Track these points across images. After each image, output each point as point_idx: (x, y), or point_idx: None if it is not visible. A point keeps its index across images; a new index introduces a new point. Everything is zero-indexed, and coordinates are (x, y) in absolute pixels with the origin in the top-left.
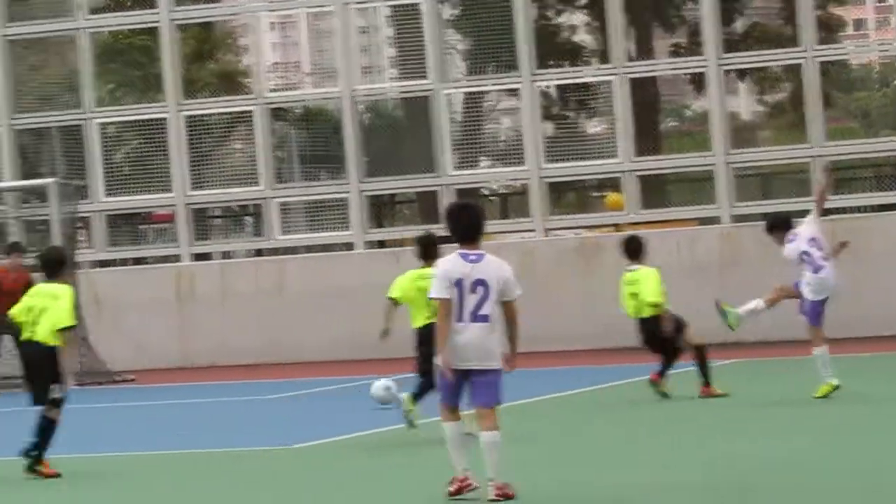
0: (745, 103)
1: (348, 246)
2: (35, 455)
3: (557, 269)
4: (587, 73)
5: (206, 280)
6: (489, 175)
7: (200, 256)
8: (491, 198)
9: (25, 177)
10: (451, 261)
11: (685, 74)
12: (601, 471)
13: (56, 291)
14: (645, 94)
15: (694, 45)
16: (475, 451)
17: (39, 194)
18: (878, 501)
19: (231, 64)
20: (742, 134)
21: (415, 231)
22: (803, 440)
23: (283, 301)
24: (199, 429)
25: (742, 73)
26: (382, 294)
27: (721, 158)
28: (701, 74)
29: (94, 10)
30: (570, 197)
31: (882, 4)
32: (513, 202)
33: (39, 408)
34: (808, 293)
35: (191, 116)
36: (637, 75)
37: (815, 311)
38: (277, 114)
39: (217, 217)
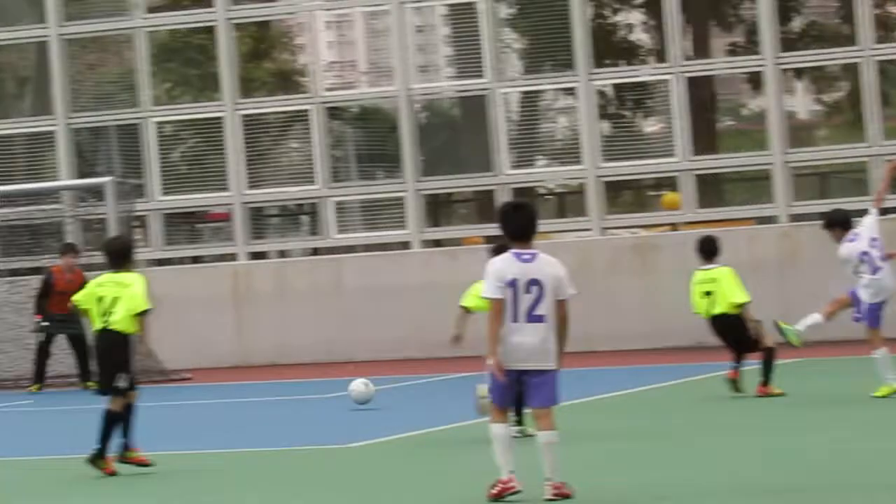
0: (802, 102)
1: (405, 245)
2: (100, 449)
3: (614, 269)
4: (644, 73)
5: (262, 279)
6: (546, 174)
7: (257, 255)
8: (547, 197)
9: (82, 175)
10: (504, 260)
11: (742, 73)
12: (657, 470)
13: (125, 279)
14: (701, 93)
15: (751, 45)
16: (532, 451)
17: (96, 193)
18: None
19: (287, 63)
20: (799, 133)
21: (471, 230)
22: (862, 439)
23: (339, 300)
24: (255, 427)
25: (799, 73)
26: (439, 293)
27: (778, 158)
28: (758, 73)
29: (152, 9)
30: (626, 196)
31: None
32: (569, 201)
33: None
34: (865, 296)
35: (247, 115)
36: (694, 74)
37: (874, 314)
38: (334, 113)
39: (273, 216)
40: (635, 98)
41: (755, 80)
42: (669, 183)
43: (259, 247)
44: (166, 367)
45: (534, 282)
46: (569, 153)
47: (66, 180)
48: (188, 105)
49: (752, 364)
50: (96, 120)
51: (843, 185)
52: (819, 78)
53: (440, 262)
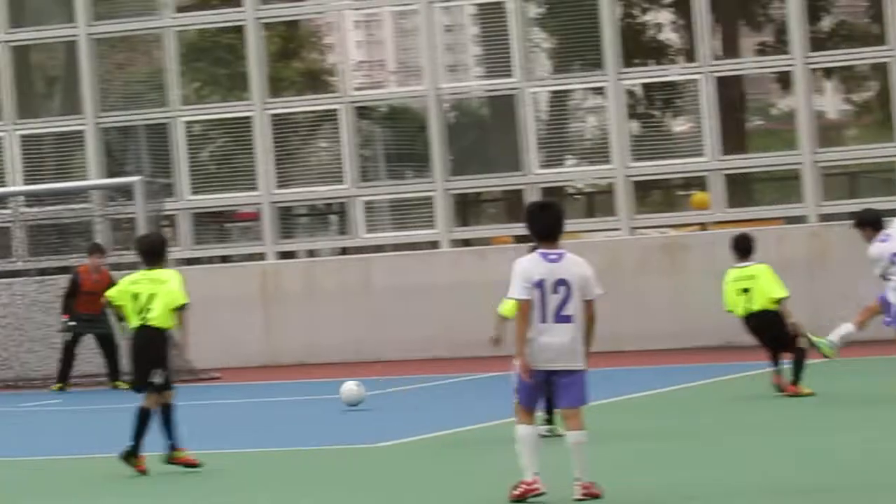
0: (832, 102)
1: (433, 244)
2: (133, 446)
3: (643, 269)
4: (673, 72)
5: (291, 278)
6: (575, 174)
7: (285, 255)
8: (576, 196)
9: (111, 175)
10: (531, 260)
11: (771, 73)
12: (686, 470)
13: (161, 276)
14: (731, 92)
15: (780, 44)
16: (559, 451)
17: (125, 192)
18: None
19: (316, 62)
20: (828, 133)
21: (500, 230)
22: (892, 439)
23: (368, 299)
24: (284, 427)
25: (828, 72)
26: (468, 292)
27: (808, 157)
28: (787, 73)
29: (181, 9)
30: (655, 196)
31: None
32: (598, 201)
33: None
34: (894, 298)
35: (276, 115)
36: (723, 74)
37: None
38: (362, 112)
39: (302, 215)
40: (664, 98)
41: (784, 80)
42: (698, 182)
43: (288, 246)
44: (195, 366)
45: (561, 282)
46: (598, 153)
47: (95, 180)
48: (217, 104)
49: (783, 364)
50: (125, 119)
51: (872, 185)
52: (848, 77)
53: (469, 262)
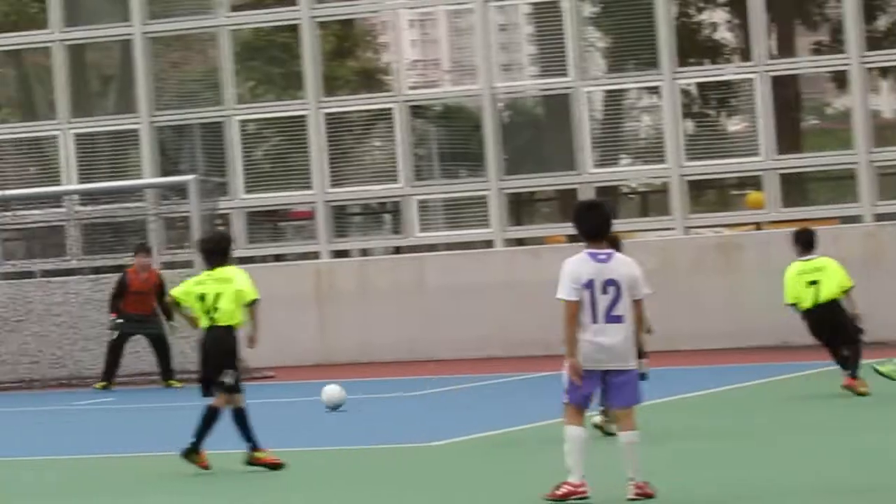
0: (888, 101)
1: (487, 244)
2: (195, 442)
3: (697, 268)
4: (728, 71)
5: (345, 277)
6: (629, 173)
7: (339, 253)
8: (630, 196)
9: (165, 173)
10: (579, 261)
11: (827, 72)
12: (740, 470)
13: (226, 274)
14: (786, 92)
15: (836, 43)
16: (607, 450)
17: (179, 191)
18: None
19: (371, 61)
20: (884, 132)
21: (554, 229)
22: None
23: (422, 298)
24: (337, 425)
25: (884, 71)
26: (522, 291)
27: (863, 157)
28: (843, 72)
29: (235, 8)
30: (710, 195)
31: None
32: (652, 200)
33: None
34: None
35: (330, 114)
36: (778, 73)
37: None
38: (417, 111)
39: (356, 214)
40: (719, 97)
41: (840, 79)
42: (753, 182)
43: (341, 245)
44: (249, 365)
45: (610, 282)
46: (652, 152)
47: (149, 178)
48: (272, 103)
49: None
50: (180, 118)
51: None
52: None
53: (523, 261)
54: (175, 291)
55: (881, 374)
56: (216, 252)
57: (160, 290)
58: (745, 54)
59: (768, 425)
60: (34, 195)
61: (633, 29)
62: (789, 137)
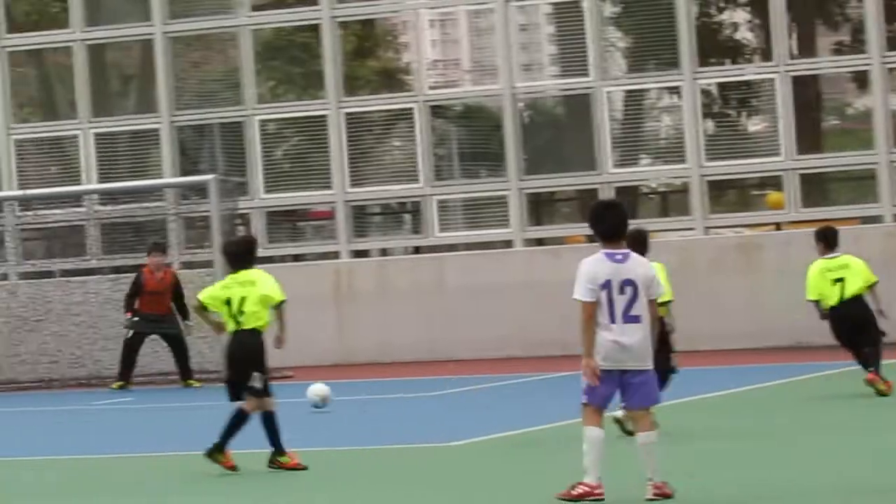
0: None
1: (507, 243)
2: (220, 443)
3: (717, 268)
4: (749, 72)
5: (364, 277)
6: (649, 173)
7: (359, 253)
8: (650, 196)
9: (185, 173)
10: (596, 261)
11: (848, 73)
12: (760, 470)
13: (250, 277)
14: (807, 92)
15: (857, 43)
16: (621, 451)
17: (199, 191)
18: None
19: (391, 61)
20: None
21: (574, 229)
22: None
23: (441, 298)
24: (355, 425)
25: None
26: (542, 291)
27: (884, 157)
28: (864, 72)
29: (256, 7)
30: (730, 195)
31: None
32: (673, 200)
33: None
34: None
35: (351, 113)
36: (799, 73)
37: None
38: (437, 111)
39: (376, 214)
40: (740, 97)
41: (861, 80)
42: (774, 182)
43: (361, 245)
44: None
45: (628, 282)
46: (672, 152)
47: (169, 178)
48: (292, 103)
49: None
50: (200, 118)
51: None
52: None
53: (543, 261)
54: (201, 296)
55: None
56: (241, 255)
57: (176, 289)
58: (766, 54)
59: (789, 425)
60: (54, 195)
61: (653, 29)
62: (810, 137)
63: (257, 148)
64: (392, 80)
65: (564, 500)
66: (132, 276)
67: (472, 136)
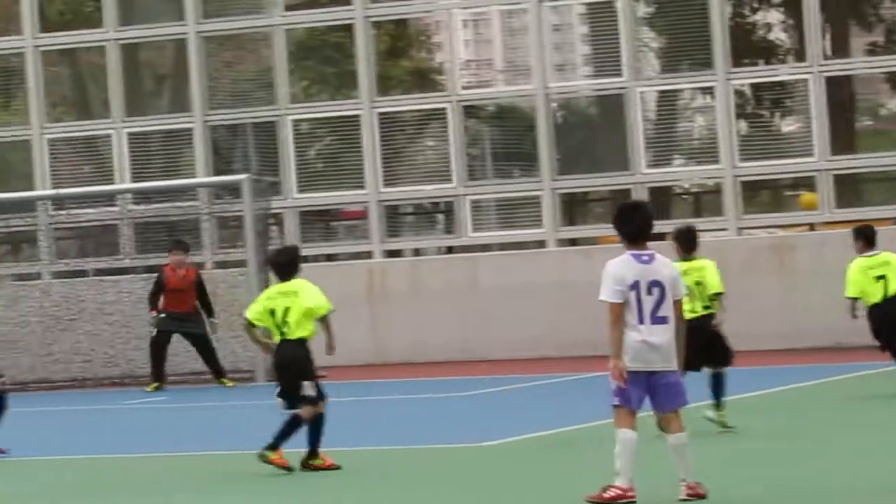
0: None
1: (540, 244)
2: (272, 444)
3: (750, 269)
4: (782, 72)
5: (397, 277)
6: (682, 173)
7: (392, 253)
8: (684, 196)
9: (218, 173)
10: (623, 262)
11: (881, 73)
12: (796, 470)
13: (293, 287)
14: (840, 92)
15: (890, 44)
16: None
17: (232, 190)
18: None
19: (424, 61)
20: None
21: (607, 229)
22: None
23: (474, 298)
24: (389, 425)
25: None
26: (574, 291)
27: None
28: None
29: (290, 7)
30: (763, 196)
31: None
32: (706, 201)
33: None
34: None
35: (384, 113)
36: (832, 74)
37: None
38: (470, 111)
39: (409, 214)
40: (773, 97)
41: (894, 80)
42: (807, 183)
43: (394, 245)
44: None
45: (655, 283)
46: (706, 152)
47: (202, 177)
48: (325, 103)
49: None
50: (233, 117)
51: None
52: None
53: (575, 261)
54: (248, 314)
55: None
56: (288, 265)
57: (200, 287)
58: (800, 55)
59: (824, 426)
60: (88, 194)
61: (687, 29)
62: (843, 138)
63: (290, 148)
64: (425, 80)
65: (596, 502)
66: None
67: (506, 137)
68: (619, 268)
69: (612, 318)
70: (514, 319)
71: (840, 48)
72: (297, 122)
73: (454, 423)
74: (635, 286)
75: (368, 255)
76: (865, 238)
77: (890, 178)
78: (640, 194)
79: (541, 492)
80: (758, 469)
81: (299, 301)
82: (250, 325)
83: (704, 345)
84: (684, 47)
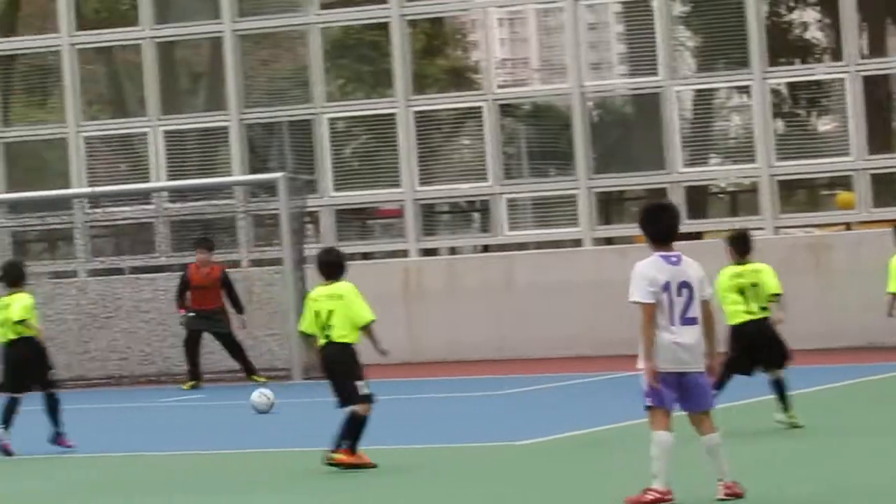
0: None
1: (576, 242)
2: (348, 445)
3: (787, 268)
4: (819, 71)
5: (433, 275)
6: (719, 172)
7: (428, 252)
8: (720, 195)
9: (254, 171)
10: (653, 264)
11: None
12: (832, 469)
13: (338, 290)
14: (877, 91)
15: None
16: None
17: (268, 189)
18: None
19: (460, 60)
20: None
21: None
22: None
23: (511, 297)
24: (424, 424)
25: None
26: (610, 290)
27: None
28: None
29: (325, 6)
30: (800, 195)
31: None
32: (742, 200)
33: (347, 408)
34: None
35: (420, 112)
36: (869, 73)
37: None
38: (506, 110)
39: (445, 212)
40: (810, 97)
41: None
42: (844, 182)
43: (430, 243)
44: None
45: (684, 284)
46: (742, 152)
47: (238, 176)
48: (361, 101)
49: None
50: (269, 116)
51: None
52: None
53: (611, 260)
54: (302, 327)
55: None
56: (336, 265)
57: (225, 284)
58: (836, 54)
59: (860, 425)
60: (124, 192)
61: (723, 28)
62: (880, 137)
63: (326, 146)
64: (461, 78)
65: None
66: None
67: (541, 135)
68: (650, 269)
69: (645, 319)
70: (550, 318)
71: (877, 47)
72: (332, 121)
73: (488, 421)
74: (667, 287)
75: (404, 253)
76: None
77: None
78: (677, 193)
79: (572, 492)
80: (793, 468)
81: (343, 306)
82: (306, 336)
83: (762, 346)
84: (720, 46)
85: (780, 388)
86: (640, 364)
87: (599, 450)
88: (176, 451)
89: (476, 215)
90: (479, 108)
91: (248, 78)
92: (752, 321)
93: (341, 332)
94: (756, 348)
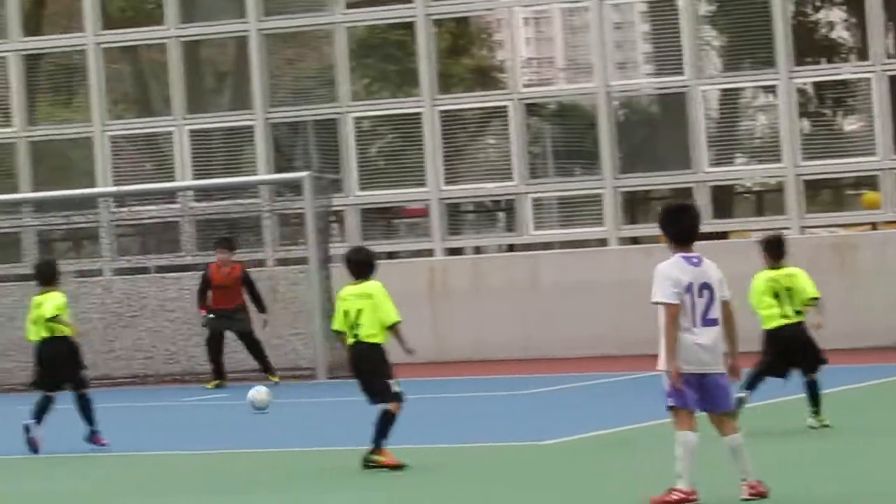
0: None
1: (602, 242)
2: (374, 445)
3: (813, 268)
4: (845, 71)
5: (458, 275)
6: (744, 172)
7: (453, 251)
8: (746, 195)
9: (280, 170)
10: (675, 265)
11: None
12: (858, 469)
13: (367, 290)
14: None
15: None
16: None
17: (294, 188)
18: None
19: (486, 59)
20: None
21: None
22: None
23: (536, 297)
24: (449, 423)
25: None
26: (636, 290)
27: None
28: None
29: (351, 5)
30: (825, 195)
31: None
32: (768, 199)
33: (379, 405)
34: None
35: (445, 111)
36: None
37: None
38: (531, 109)
39: (470, 212)
40: (836, 96)
41: None
42: (870, 182)
43: (455, 243)
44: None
45: (705, 285)
46: (768, 151)
47: (263, 175)
48: (386, 101)
49: None
50: (294, 115)
51: None
52: None
53: (637, 260)
54: (335, 325)
55: None
56: (365, 264)
57: (247, 283)
58: (863, 53)
59: (886, 425)
60: (149, 191)
61: (749, 27)
62: None
63: (352, 145)
64: (486, 77)
65: None
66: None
67: (567, 135)
68: (673, 270)
69: (667, 320)
70: (576, 318)
71: None
72: (358, 120)
73: (513, 421)
74: (689, 288)
75: (430, 252)
76: None
77: None
78: (702, 193)
79: (596, 492)
80: (820, 468)
81: (372, 305)
82: (338, 334)
83: (797, 350)
84: (746, 46)
85: (813, 389)
86: (661, 365)
87: (624, 449)
88: (201, 451)
89: (501, 215)
90: (505, 107)
91: (273, 77)
92: (787, 325)
93: (370, 332)
94: (792, 352)
